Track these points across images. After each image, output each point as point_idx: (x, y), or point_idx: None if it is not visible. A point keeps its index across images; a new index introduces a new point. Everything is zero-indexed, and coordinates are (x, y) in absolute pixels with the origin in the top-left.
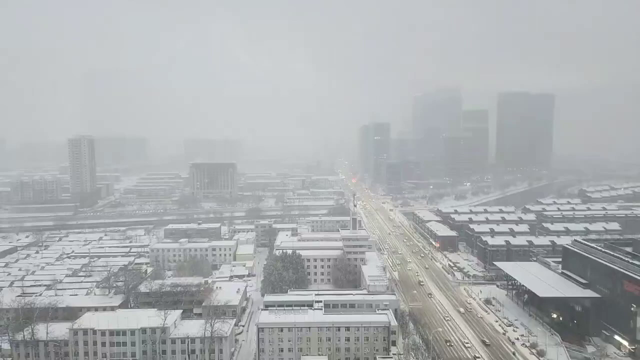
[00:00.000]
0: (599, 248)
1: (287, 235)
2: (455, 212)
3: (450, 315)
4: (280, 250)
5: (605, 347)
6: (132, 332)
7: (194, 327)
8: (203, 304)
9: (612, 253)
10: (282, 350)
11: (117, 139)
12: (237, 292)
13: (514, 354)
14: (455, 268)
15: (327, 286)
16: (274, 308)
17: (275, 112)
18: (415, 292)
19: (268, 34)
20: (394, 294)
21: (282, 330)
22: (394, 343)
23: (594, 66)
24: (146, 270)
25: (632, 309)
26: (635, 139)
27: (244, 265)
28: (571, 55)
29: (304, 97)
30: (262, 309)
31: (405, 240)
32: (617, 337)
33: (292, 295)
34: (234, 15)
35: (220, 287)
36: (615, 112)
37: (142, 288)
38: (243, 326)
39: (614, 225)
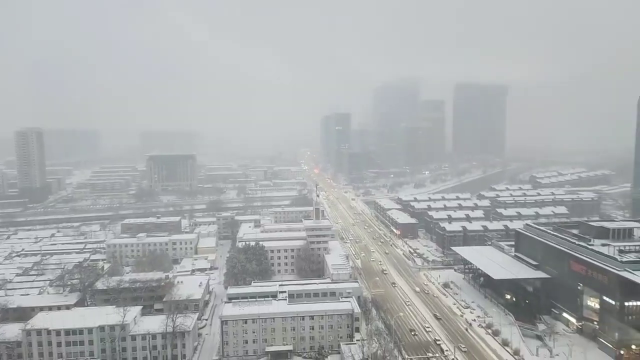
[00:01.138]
0: (548, 231)
1: (249, 227)
2: (415, 200)
3: (411, 300)
4: (243, 242)
5: (554, 325)
6: (90, 330)
7: (155, 323)
8: (164, 299)
9: (559, 235)
10: (246, 342)
11: (68, 131)
12: (200, 285)
13: (466, 329)
14: (415, 254)
15: (291, 276)
16: (238, 300)
17: (237, 103)
18: (377, 279)
19: (231, 26)
20: (357, 282)
21: (246, 322)
22: (357, 329)
23: (544, 59)
24: (103, 267)
25: (579, 287)
26: (580, 128)
27: (206, 259)
28: (524, 48)
29: (266, 88)
30: (225, 302)
31: (367, 229)
32: (565, 315)
33: (256, 287)
34: (196, 5)
35: (181, 282)
36: (562, 103)
37: (99, 285)
38: (206, 320)
39: (562, 209)
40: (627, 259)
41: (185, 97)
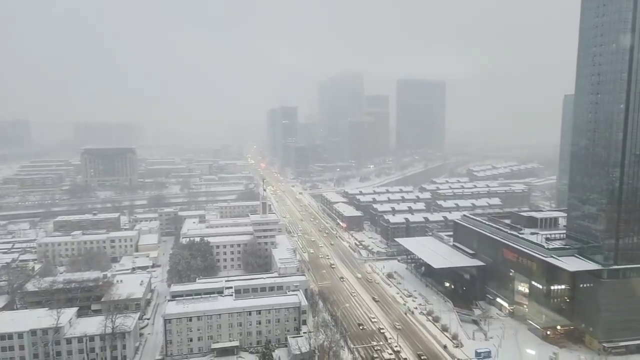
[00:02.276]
0: (483, 221)
1: (194, 222)
2: (361, 193)
3: (357, 291)
4: (188, 238)
5: (489, 309)
6: (20, 335)
7: (92, 325)
8: (102, 300)
9: (493, 225)
10: (191, 340)
11: None
12: (141, 284)
13: (405, 313)
14: (360, 246)
15: (238, 272)
16: (182, 298)
17: (180, 96)
18: (324, 271)
19: (177, 14)
20: (304, 275)
21: (190, 320)
22: (304, 322)
23: (481, 58)
24: (33, 268)
25: (510, 274)
26: (513, 124)
27: (148, 256)
28: (463, 46)
29: (211, 80)
30: (168, 300)
31: (314, 222)
32: (499, 300)
33: (201, 284)
34: None
35: (121, 281)
36: (496, 100)
37: (30, 287)
38: (148, 319)
39: (496, 201)
40: (552, 246)
41: (124, 88)
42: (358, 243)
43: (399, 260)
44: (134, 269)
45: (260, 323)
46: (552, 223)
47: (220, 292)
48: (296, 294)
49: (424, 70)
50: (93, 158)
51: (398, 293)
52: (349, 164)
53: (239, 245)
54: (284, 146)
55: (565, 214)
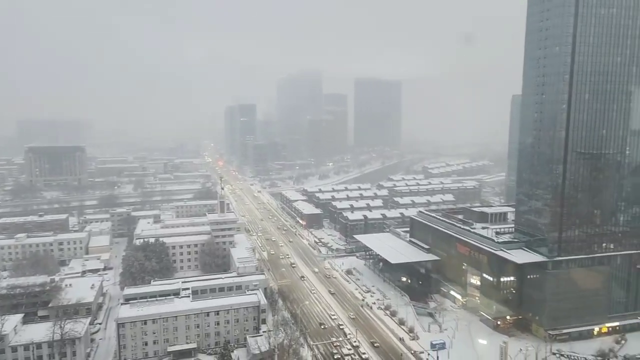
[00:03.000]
0: (437, 217)
1: (148, 222)
2: (320, 191)
3: (317, 288)
4: (142, 239)
5: (444, 302)
6: None
7: (39, 332)
8: (50, 305)
9: (447, 221)
10: (146, 344)
11: None
12: (92, 288)
13: (361, 306)
14: (320, 243)
15: (195, 272)
16: (136, 301)
17: (133, 92)
18: (284, 269)
19: (130, 5)
20: (263, 274)
21: (145, 323)
22: (264, 321)
23: (435, 58)
24: None
25: (463, 267)
26: (465, 122)
27: (99, 259)
28: (419, 46)
29: (166, 77)
30: (122, 304)
31: (273, 221)
32: (452, 292)
33: (157, 286)
34: None
35: (70, 285)
36: (449, 99)
37: None
38: (100, 324)
39: (450, 197)
40: (502, 240)
41: (72, 84)
42: (317, 240)
43: (357, 257)
44: (84, 272)
45: (218, 324)
46: (502, 218)
47: (176, 293)
48: (255, 293)
49: (381, 70)
50: (38, 157)
51: (357, 289)
52: (308, 162)
53: (196, 245)
54: (242, 144)
55: (514, 209)
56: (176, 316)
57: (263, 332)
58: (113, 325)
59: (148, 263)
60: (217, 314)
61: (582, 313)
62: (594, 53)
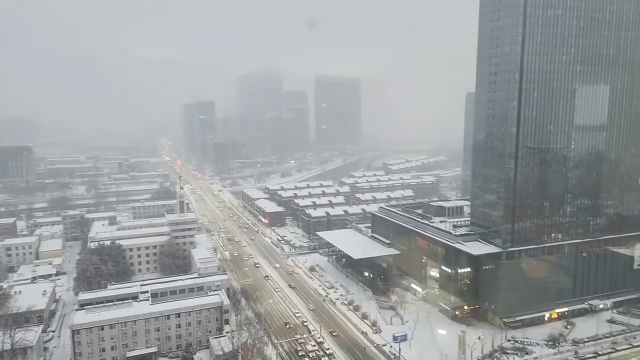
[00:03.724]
0: (398, 212)
1: (103, 225)
2: (282, 188)
3: (280, 287)
4: (97, 242)
5: (405, 295)
6: None
7: None
8: None
9: (407, 215)
10: (103, 350)
11: None
12: (44, 294)
13: (324, 300)
14: (283, 241)
15: (155, 275)
16: (92, 306)
17: (84, 89)
18: (246, 269)
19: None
20: (226, 274)
21: (102, 329)
22: (227, 322)
23: (394, 56)
24: None
25: (423, 260)
26: (423, 119)
27: (51, 264)
28: (378, 44)
29: (119, 73)
30: (76, 309)
31: (235, 219)
32: (413, 285)
33: (114, 290)
34: None
35: (20, 292)
36: (409, 96)
37: None
38: (53, 332)
39: (409, 192)
40: (459, 233)
41: (13, 80)
42: (280, 238)
43: (320, 254)
44: (34, 278)
45: (180, 326)
46: (459, 211)
47: (135, 297)
48: (218, 294)
49: (341, 69)
50: None
51: (320, 285)
52: (269, 159)
53: (154, 246)
54: (201, 142)
55: (470, 203)
56: (135, 320)
57: (226, 332)
58: (67, 332)
59: (104, 267)
60: (178, 316)
61: (533, 300)
62: (541, 52)
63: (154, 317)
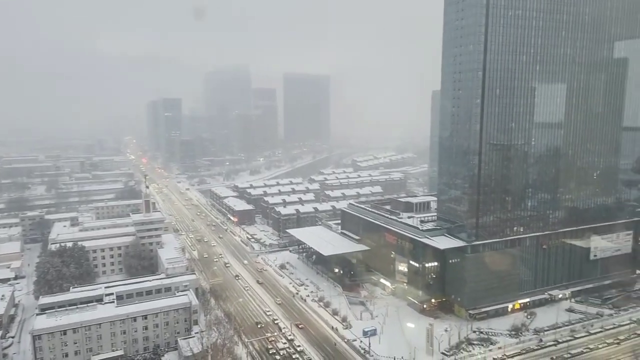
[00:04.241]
0: (367, 208)
1: (65, 226)
2: (251, 186)
3: (250, 285)
4: (58, 244)
5: (374, 290)
6: None
7: None
8: None
9: (375, 211)
10: (66, 356)
11: None
12: (2, 299)
13: (293, 296)
14: (252, 240)
15: (120, 276)
16: (54, 310)
17: (44, 85)
18: (215, 268)
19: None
20: (194, 274)
21: (65, 334)
22: (196, 322)
23: (363, 54)
24: None
25: (392, 255)
26: (390, 116)
27: (9, 267)
28: (347, 41)
29: (80, 69)
30: (37, 314)
31: (203, 218)
32: (382, 280)
33: (77, 293)
34: None
35: None
36: (377, 94)
37: None
38: (13, 337)
39: (378, 188)
40: (426, 228)
41: None
42: (250, 237)
43: (290, 251)
44: None
45: (147, 328)
46: (426, 207)
47: (99, 299)
48: (186, 294)
49: (310, 66)
50: None
51: (291, 283)
52: (238, 157)
53: (119, 247)
54: (167, 140)
55: (436, 198)
56: (100, 323)
57: (195, 333)
58: (28, 338)
59: (66, 269)
60: (145, 318)
61: (497, 292)
62: (503, 52)
63: (120, 320)
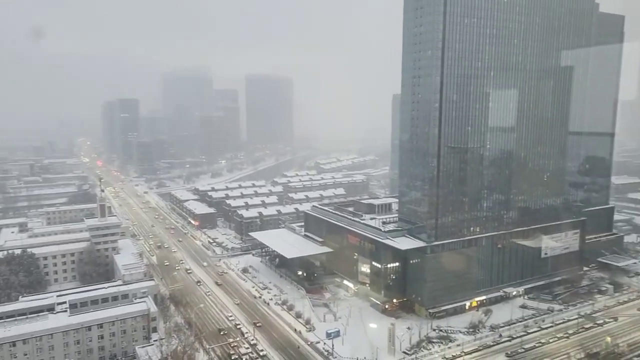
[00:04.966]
0: (330, 210)
1: (13, 232)
2: (213, 189)
3: (212, 290)
4: (5, 251)
5: (338, 292)
6: None
7: None
8: None
9: (338, 213)
10: None
11: None
12: None
13: (254, 297)
14: (214, 244)
15: (74, 284)
16: (2, 321)
17: None
18: (175, 273)
19: None
20: (153, 280)
21: (14, 345)
22: (154, 329)
23: (325, 56)
24: None
25: (355, 257)
26: (353, 119)
27: None
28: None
29: (30, 68)
30: None
31: (163, 222)
32: (345, 282)
33: (26, 302)
34: None
35: None
36: (338, 97)
37: None
38: None
39: (341, 191)
40: (388, 229)
41: None
42: (212, 241)
43: (253, 255)
44: None
45: (102, 338)
46: (387, 208)
47: (51, 309)
48: (144, 301)
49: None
50: None
51: (254, 287)
52: (199, 159)
53: (72, 254)
54: (124, 142)
55: (398, 200)
56: (51, 334)
57: (154, 341)
58: None
59: (14, 277)
60: (101, 327)
61: (455, 291)
62: (459, 58)
63: (74, 330)
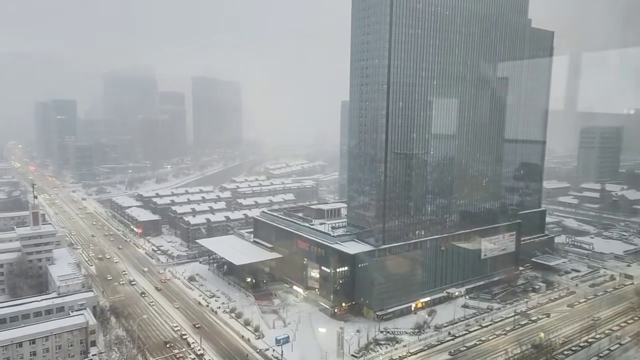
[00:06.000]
0: (279, 216)
1: None
2: (157, 195)
3: (156, 300)
4: None
5: (287, 298)
6: None
7: None
8: None
9: (288, 219)
10: None
11: None
12: None
13: (200, 304)
14: (159, 252)
15: (3, 297)
16: None
17: None
18: (116, 283)
19: None
20: (92, 291)
21: None
22: (93, 343)
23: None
24: None
25: (304, 262)
26: (301, 124)
27: None
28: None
29: None
30: None
31: (103, 231)
32: (295, 287)
33: None
34: None
35: None
36: (286, 102)
37: None
38: None
39: (290, 196)
40: (337, 234)
41: None
42: (156, 249)
43: (200, 262)
44: None
45: (35, 354)
46: (337, 213)
47: None
48: (82, 314)
49: (221, 70)
50: None
51: (201, 295)
52: (142, 164)
53: (1, 265)
54: (60, 146)
55: (346, 205)
56: None
57: (93, 355)
58: None
59: None
60: (33, 342)
61: (402, 293)
62: (404, 67)
63: (2, 347)
